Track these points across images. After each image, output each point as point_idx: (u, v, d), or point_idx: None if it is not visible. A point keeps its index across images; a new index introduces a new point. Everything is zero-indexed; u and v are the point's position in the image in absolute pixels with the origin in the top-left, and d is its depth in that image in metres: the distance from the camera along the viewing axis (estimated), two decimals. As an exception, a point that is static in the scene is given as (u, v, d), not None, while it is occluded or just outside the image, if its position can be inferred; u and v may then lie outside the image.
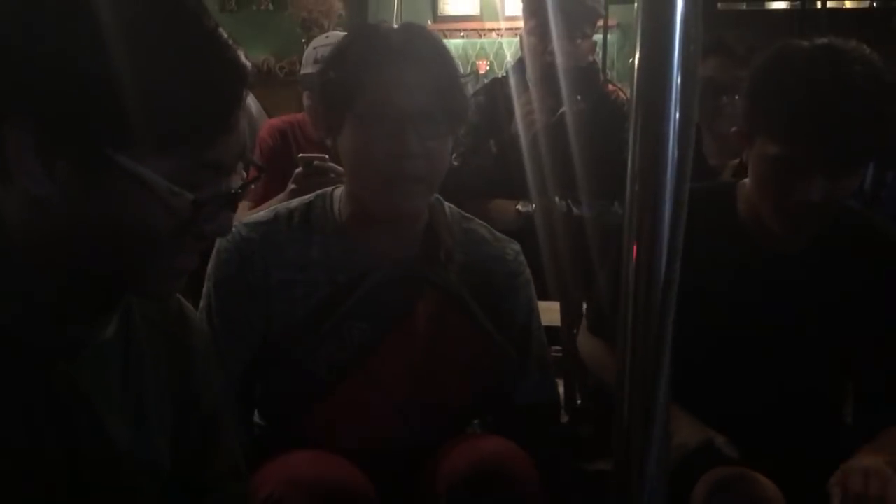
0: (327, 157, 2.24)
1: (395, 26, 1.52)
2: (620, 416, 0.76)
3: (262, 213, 1.58)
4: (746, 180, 1.57)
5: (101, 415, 0.94)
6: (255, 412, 1.58)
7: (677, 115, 0.71)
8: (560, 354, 2.08)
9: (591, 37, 2.68)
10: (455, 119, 1.49)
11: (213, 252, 1.49)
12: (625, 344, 0.75)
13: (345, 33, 2.64)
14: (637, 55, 0.71)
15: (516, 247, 1.65)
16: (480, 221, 1.65)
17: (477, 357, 1.55)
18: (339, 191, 1.58)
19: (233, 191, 0.91)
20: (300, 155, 2.27)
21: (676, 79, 0.69)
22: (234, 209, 0.95)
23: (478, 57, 5.43)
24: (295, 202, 1.59)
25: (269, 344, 1.49)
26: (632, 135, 0.73)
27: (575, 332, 2.35)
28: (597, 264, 1.99)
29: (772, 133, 1.43)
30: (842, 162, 1.39)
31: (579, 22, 2.58)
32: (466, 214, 1.64)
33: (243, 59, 0.89)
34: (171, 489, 1.06)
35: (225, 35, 0.88)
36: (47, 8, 0.81)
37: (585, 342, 1.80)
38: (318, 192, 1.60)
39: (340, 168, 2.22)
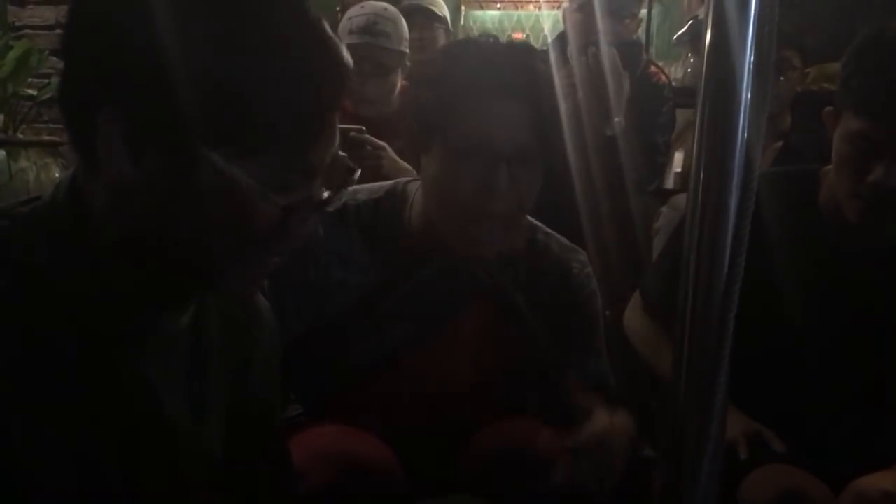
0: (364, 128, 2.22)
1: (501, 44, 1.43)
2: (675, 412, 0.74)
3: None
4: (830, 167, 1.52)
5: (162, 402, 0.93)
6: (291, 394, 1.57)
7: (747, 99, 0.68)
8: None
9: (637, 16, 2.64)
10: (551, 155, 1.42)
11: None
12: (683, 336, 0.72)
13: (383, 3, 2.63)
14: (707, 38, 0.68)
15: (582, 258, 1.58)
16: (548, 231, 1.58)
17: (521, 363, 1.50)
18: (413, 187, 1.51)
19: (323, 198, 0.88)
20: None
21: (749, 61, 0.66)
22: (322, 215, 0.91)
23: (514, 29, 5.36)
24: (363, 194, 1.52)
25: (313, 332, 1.46)
26: (698, 120, 0.70)
27: (607, 313, 2.32)
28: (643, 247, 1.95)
29: (856, 108, 1.40)
30: None
31: (628, 1, 2.53)
32: (534, 222, 1.57)
33: (346, 56, 0.85)
34: (223, 477, 1.05)
35: (329, 30, 0.84)
36: (144, 2, 0.78)
37: (636, 320, 1.75)
38: (389, 187, 1.53)
39: (378, 141, 2.22)
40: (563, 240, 1.59)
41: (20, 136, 3.42)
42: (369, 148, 2.21)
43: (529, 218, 1.54)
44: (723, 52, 0.67)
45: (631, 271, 2.13)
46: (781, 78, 2.45)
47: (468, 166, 1.35)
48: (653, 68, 2.75)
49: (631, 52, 2.53)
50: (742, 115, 0.67)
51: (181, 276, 0.89)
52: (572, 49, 2.53)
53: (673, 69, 3.40)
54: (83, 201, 0.86)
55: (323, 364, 1.48)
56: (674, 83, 3.02)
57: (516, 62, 1.39)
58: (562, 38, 2.63)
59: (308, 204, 0.86)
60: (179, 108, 0.77)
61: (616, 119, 2.42)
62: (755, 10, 0.65)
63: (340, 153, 0.89)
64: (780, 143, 2.53)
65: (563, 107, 2.34)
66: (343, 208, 1.48)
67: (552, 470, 1.36)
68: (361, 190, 1.53)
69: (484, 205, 1.35)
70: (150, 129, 0.79)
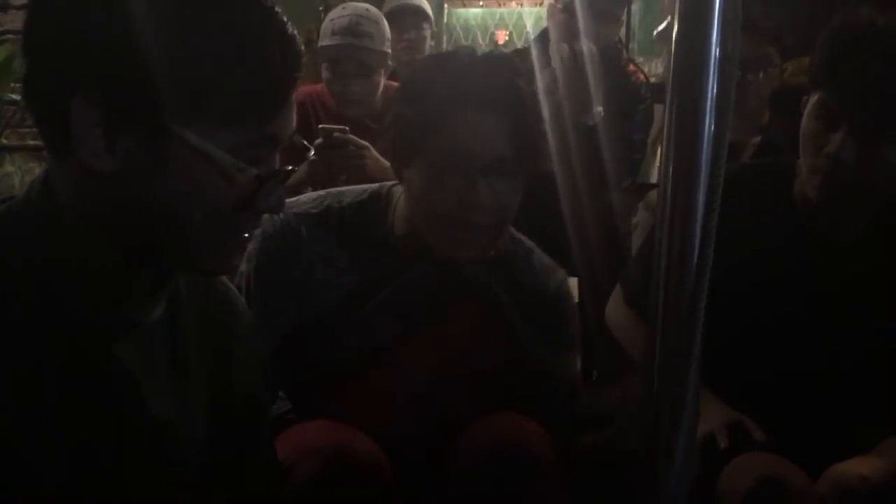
0: (347, 129, 2.23)
1: (478, 56, 1.45)
2: (649, 399, 0.76)
3: (311, 202, 1.53)
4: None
5: (144, 393, 0.95)
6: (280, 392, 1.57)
7: (714, 93, 0.69)
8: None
9: (620, 18, 2.66)
10: (530, 163, 1.44)
11: (257, 233, 1.46)
12: (655, 326, 0.74)
13: (365, 5, 2.65)
14: (674, 35, 0.70)
15: (560, 276, 1.60)
16: (529, 246, 1.60)
17: (505, 360, 1.52)
18: (396, 197, 1.53)
19: (289, 167, 0.93)
20: (320, 126, 2.26)
21: (714, 56, 0.68)
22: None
23: (497, 26, 5.38)
24: (347, 197, 1.54)
25: (300, 330, 1.48)
26: (666, 115, 0.71)
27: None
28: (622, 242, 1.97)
29: (817, 82, 1.44)
30: (876, 119, 1.37)
31: (613, 5, 2.56)
32: (516, 236, 1.59)
33: (298, 36, 0.90)
34: (207, 468, 1.06)
35: (281, 12, 0.89)
36: None
37: (618, 312, 1.77)
38: (373, 190, 1.55)
39: (361, 141, 2.23)
40: (545, 257, 1.61)
41: (4, 140, 3.41)
42: (353, 147, 2.22)
43: (513, 231, 1.57)
44: (689, 46, 0.69)
45: (613, 263, 2.15)
46: (761, 74, 2.47)
47: (449, 179, 1.38)
48: (631, 66, 2.77)
49: (609, 57, 2.55)
50: (708, 109, 0.69)
51: (158, 259, 0.92)
52: (554, 47, 2.54)
53: (654, 65, 3.42)
54: (56, 196, 0.89)
55: (311, 361, 1.50)
56: (654, 79, 3.04)
57: (494, 75, 1.41)
58: (544, 36, 2.65)
59: (277, 174, 0.91)
60: (151, 89, 0.81)
61: (597, 108, 2.45)
62: (719, 6, 0.67)
63: (296, 135, 0.95)
64: (758, 139, 2.55)
65: (545, 100, 2.38)
66: (327, 211, 1.50)
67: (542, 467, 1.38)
68: (346, 193, 1.55)
69: (466, 216, 1.38)
70: (123, 112, 0.83)
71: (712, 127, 0.70)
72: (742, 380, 1.50)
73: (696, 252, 0.71)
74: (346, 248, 1.49)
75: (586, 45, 2.41)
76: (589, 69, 2.40)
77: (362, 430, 1.42)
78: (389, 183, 1.57)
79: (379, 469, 1.38)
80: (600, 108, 2.44)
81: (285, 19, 0.89)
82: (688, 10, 0.69)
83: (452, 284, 1.50)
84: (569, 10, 2.51)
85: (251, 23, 0.86)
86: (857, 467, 1.36)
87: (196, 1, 0.84)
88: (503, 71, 1.43)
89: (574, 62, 2.41)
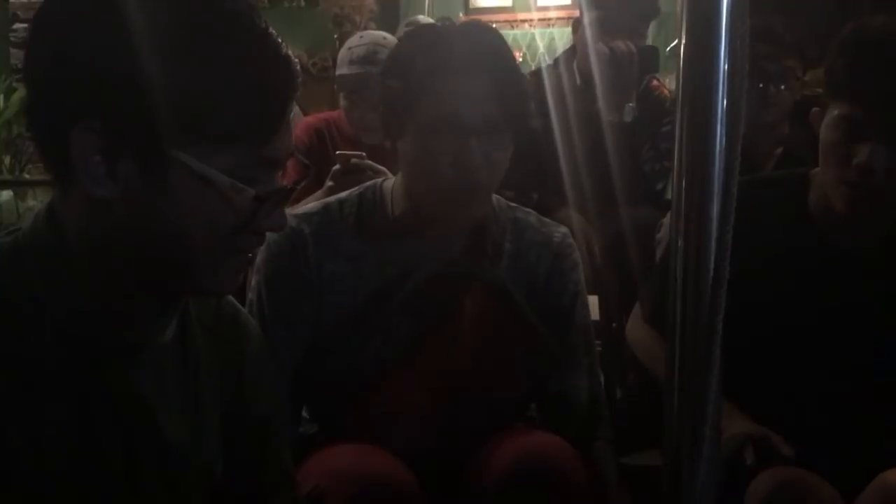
0: (364, 154, 2.24)
1: (457, 25, 1.50)
2: (670, 415, 0.75)
3: (311, 205, 1.58)
4: (819, 168, 1.54)
5: (158, 417, 0.96)
6: (304, 409, 1.59)
7: (724, 106, 0.70)
8: (599, 348, 2.07)
9: (645, 37, 2.68)
10: (518, 125, 1.48)
11: (264, 245, 1.47)
12: (674, 341, 0.74)
13: (382, 33, 2.67)
14: (682, 48, 0.70)
15: (563, 230, 1.64)
16: (527, 209, 1.64)
17: (522, 352, 1.54)
18: (390, 183, 1.57)
19: (288, 186, 0.94)
20: (338, 152, 2.27)
21: (723, 70, 0.68)
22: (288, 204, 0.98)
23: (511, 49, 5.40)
24: (344, 194, 1.58)
25: (319, 338, 1.50)
26: (678, 128, 0.72)
27: (614, 325, 2.33)
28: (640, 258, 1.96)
29: (840, 94, 1.43)
30: None
31: (640, 21, 2.57)
32: (512, 204, 1.64)
33: (293, 57, 0.92)
34: (222, 492, 1.07)
35: (275, 35, 0.90)
36: (107, 16, 0.83)
37: (638, 331, 1.76)
38: (367, 183, 1.60)
39: (378, 166, 2.24)
40: (543, 218, 1.65)
41: (26, 175, 3.45)
42: (370, 173, 2.23)
43: (510, 203, 1.63)
44: (697, 59, 0.69)
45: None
46: (783, 86, 2.46)
47: (440, 143, 1.42)
48: (654, 81, 2.78)
49: (650, 55, 2.56)
50: (719, 121, 0.69)
51: (161, 281, 0.93)
52: (582, 57, 2.55)
53: (667, 81, 3.42)
54: (61, 225, 0.90)
55: (332, 372, 1.51)
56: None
57: (475, 40, 1.47)
58: (571, 52, 2.67)
59: (276, 193, 0.92)
60: (149, 116, 0.83)
61: (629, 104, 2.46)
62: (727, 18, 0.67)
63: (297, 154, 0.96)
64: (780, 150, 2.54)
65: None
66: (326, 208, 1.55)
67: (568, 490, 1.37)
68: (342, 194, 1.60)
69: (459, 177, 1.42)
70: (123, 139, 0.84)
71: (724, 140, 0.70)
72: (764, 393, 1.48)
73: (713, 265, 0.70)
74: (350, 236, 1.52)
75: (624, 44, 2.43)
76: (626, 66, 2.41)
77: (387, 439, 1.43)
78: (381, 178, 1.63)
79: (410, 494, 1.37)
80: (632, 104, 2.46)
81: (280, 41, 0.90)
82: (695, 23, 0.69)
83: (462, 279, 1.53)
84: (596, 26, 2.51)
85: (245, 46, 0.87)
86: None
87: (191, 26, 0.85)
88: (483, 36, 1.50)
89: (613, 60, 2.42)
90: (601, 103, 2.42)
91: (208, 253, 0.90)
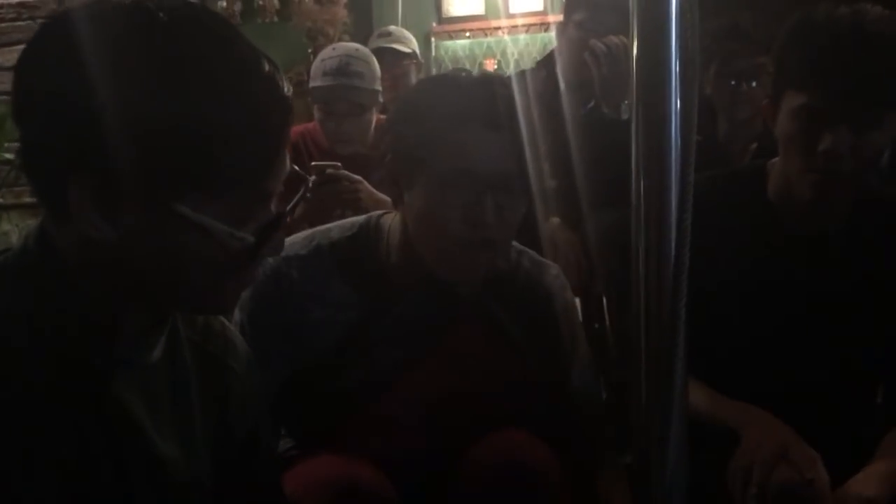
0: (340, 164, 2.25)
1: (475, 76, 1.47)
2: (638, 406, 0.77)
3: (300, 244, 1.52)
4: (776, 159, 1.56)
5: (147, 433, 0.96)
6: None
7: (678, 101, 0.72)
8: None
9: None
10: (533, 181, 1.44)
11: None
12: (638, 330, 0.76)
13: (354, 44, 2.68)
14: (633, 47, 0.72)
15: (554, 270, 1.63)
16: (519, 246, 1.61)
17: (510, 381, 1.52)
18: (387, 222, 1.54)
19: (283, 211, 0.93)
20: (313, 163, 2.28)
21: (675, 68, 0.70)
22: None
23: (485, 56, 5.43)
24: (336, 233, 1.54)
25: (301, 374, 1.47)
26: (633, 124, 0.74)
27: (597, 326, 2.36)
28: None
29: (797, 84, 1.44)
30: (864, 109, 1.39)
31: (627, 21, 2.57)
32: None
33: (288, 93, 0.91)
34: None
35: (279, 74, 0.90)
36: (107, 66, 0.82)
37: None
38: (361, 222, 1.55)
39: (354, 176, 2.25)
40: (535, 255, 1.63)
41: (1, 199, 3.43)
42: (346, 182, 2.24)
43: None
44: (649, 59, 0.71)
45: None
46: (754, 83, 2.49)
47: (455, 196, 1.39)
48: None
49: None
50: (673, 119, 0.71)
51: (155, 304, 0.94)
52: (564, 64, 2.54)
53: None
54: (53, 247, 0.90)
55: (315, 396, 1.49)
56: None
57: (493, 93, 1.42)
58: (549, 59, 2.67)
59: (271, 224, 0.91)
60: (150, 170, 0.82)
61: (626, 102, 2.46)
62: (676, 17, 0.69)
63: (294, 167, 0.95)
64: (754, 145, 2.57)
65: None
66: (317, 250, 1.50)
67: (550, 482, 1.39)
68: (333, 228, 1.56)
69: (472, 233, 1.39)
70: (120, 190, 0.84)
71: (678, 134, 0.72)
72: (732, 382, 1.50)
73: (673, 252, 0.72)
74: (340, 284, 1.49)
75: (618, 38, 2.43)
76: (622, 62, 2.40)
77: (368, 457, 1.42)
78: (377, 213, 1.58)
79: (388, 500, 1.38)
80: (629, 102, 2.45)
81: (281, 79, 0.89)
82: (645, 21, 0.71)
83: (451, 308, 1.51)
84: (583, 28, 2.51)
85: (251, 95, 0.86)
86: (863, 488, 1.35)
87: (198, 76, 0.83)
88: (501, 89, 1.45)
89: (608, 56, 2.41)
90: (600, 102, 2.41)
91: (208, 286, 0.91)
